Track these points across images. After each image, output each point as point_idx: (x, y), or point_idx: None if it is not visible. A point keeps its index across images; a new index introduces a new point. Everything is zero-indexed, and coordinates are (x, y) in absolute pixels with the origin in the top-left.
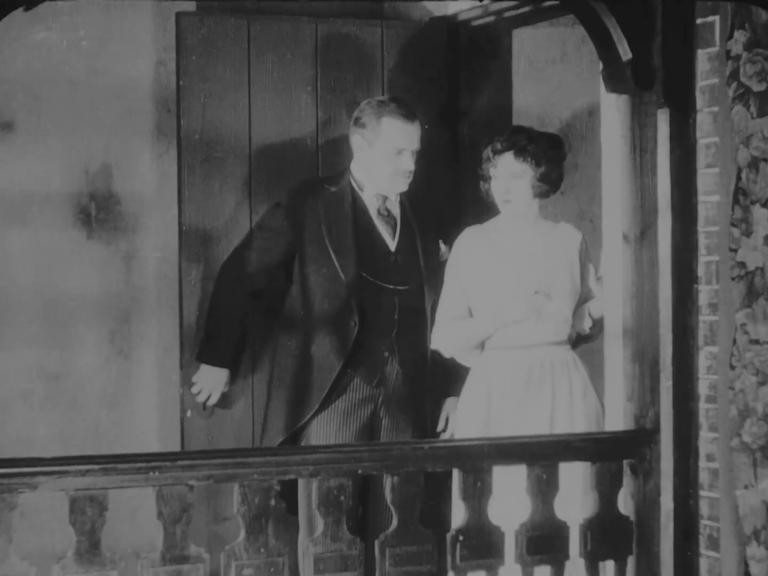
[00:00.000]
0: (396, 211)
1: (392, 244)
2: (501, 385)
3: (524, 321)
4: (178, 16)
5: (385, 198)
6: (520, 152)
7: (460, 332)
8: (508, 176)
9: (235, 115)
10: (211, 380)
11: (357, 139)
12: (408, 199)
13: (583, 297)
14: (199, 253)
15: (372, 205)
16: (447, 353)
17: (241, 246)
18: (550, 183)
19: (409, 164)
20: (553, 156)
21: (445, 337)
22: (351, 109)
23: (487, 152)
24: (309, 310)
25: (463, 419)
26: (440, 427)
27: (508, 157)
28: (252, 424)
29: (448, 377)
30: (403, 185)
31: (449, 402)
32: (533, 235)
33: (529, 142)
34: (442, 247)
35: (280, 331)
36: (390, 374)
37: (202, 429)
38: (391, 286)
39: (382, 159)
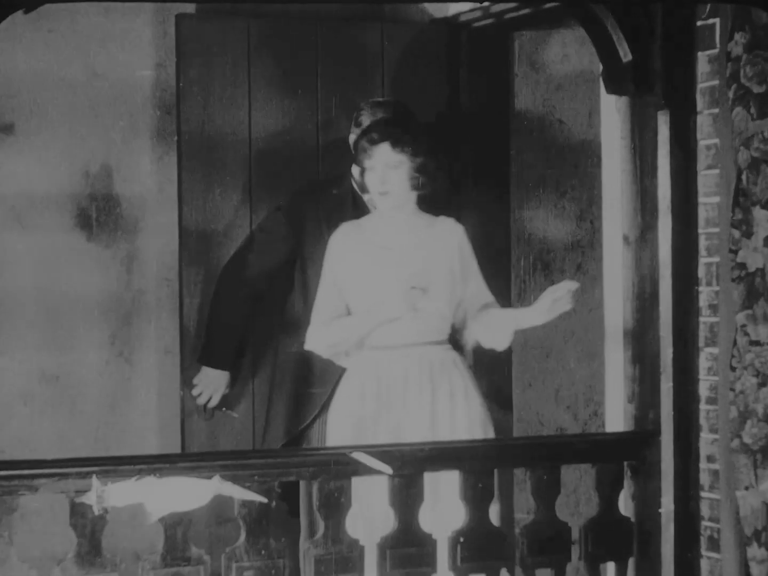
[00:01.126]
0: None
1: None
2: (375, 386)
3: (400, 318)
4: (178, 18)
5: None
6: (397, 142)
7: (335, 332)
8: (384, 167)
9: (235, 117)
10: (212, 382)
11: (352, 139)
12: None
13: (474, 298)
14: (200, 256)
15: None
16: (323, 354)
17: (241, 249)
18: (427, 174)
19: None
20: (432, 146)
21: (319, 338)
22: (351, 112)
23: (363, 143)
24: (310, 313)
25: (334, 421)
26: None
27: (385, 147)
28: (252, 427)
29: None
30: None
31: None
32: (410, 229)
33: (408, 131)
34: None
35: (282, 334)
36: None
37: (203, 431)
38: None
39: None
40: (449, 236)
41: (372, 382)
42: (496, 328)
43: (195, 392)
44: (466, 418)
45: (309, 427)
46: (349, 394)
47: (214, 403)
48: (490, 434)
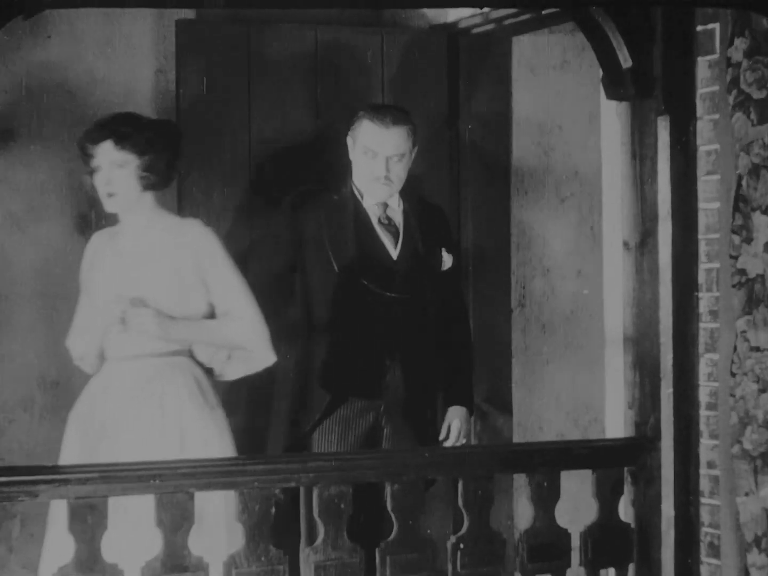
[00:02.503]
0: (398, 219)
1: (394, 253)
2: (103, 397)
3: (116, 330)
4: (178, 23)
5: (386, 206)
6: (120, 140)
7: (78, 340)
8: (110, 166)
9: (235, 122)
10: None
11: (348, 141)
12: (411, 208)
13: (219, 306)
14: None
15: (373, 213)
16: (76, 361)
17: (246, 253)
18: (158, 173)
19: (381, 170)
20: (161, 144)
21: (71, 345)
22: (351, 116)
23: (85, 142)
24: (310, 318)
25: (68, 432)
26: (442, 435)
27: (108, 145)
28: (253, 432)
29: (451, 385)
30: (381, 192)
31: (452, 411)
32: (142, 234)
33: (131, 128)
34: (444, 255)
35: (282, 340)
36: (391, 383)
37: None
38: (393, 295)
39: (358, 160)
40: (188, 240)
41: (102, 393)
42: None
43: None
44: (200, 430)
45: (310, 433)
46: (83, 403)
47: None
48: (227, 446)
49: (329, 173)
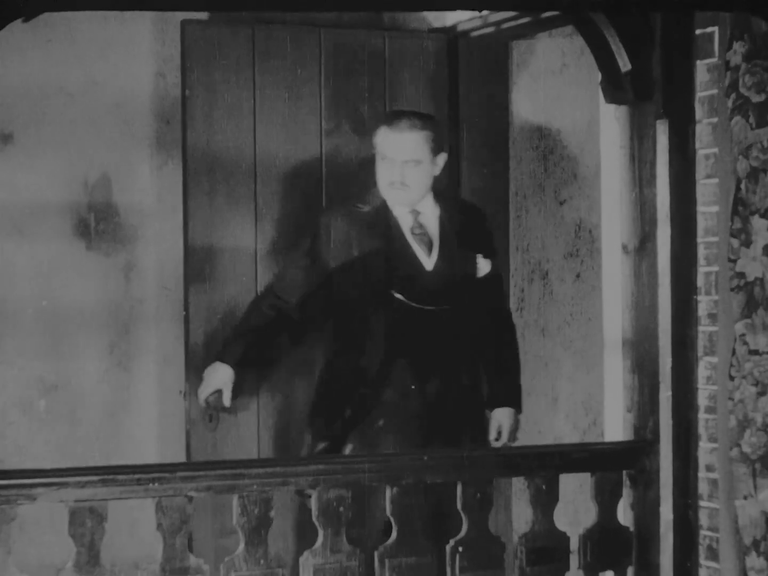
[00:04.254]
0: (433, 226)
1: (428, 263)
2: None
3: None
4: (184, 24)
5: (417, 213)
6: None
7: None
8: None
9: (240, 124)
10: (214, 374)
11: (377, 143)
12: (447, 213)
13: None
14: (204, 267)
15: (405, 222)
16: None
17: (283, 265)
18: None
19: (395, 175)
20: None
21: None
22: (356, 119)
23: None
24: (344, 328)
25: None
26: (492, 435)
27: None
28: (257, 437)
29: (498, 387)
30: (398, 198)
31: (500, 412)
32: None
33: None
34: (481, 261)
35: (316, 361)
36: (433, 393)
37: (208, 441)
38: (425, 307)
39: (378, 167)
40: None
41: None
42: None
43: (201, 389)
44: None
45: (347, 438)
46: None
47: (227, 395)
48: None
49: (333, 174)
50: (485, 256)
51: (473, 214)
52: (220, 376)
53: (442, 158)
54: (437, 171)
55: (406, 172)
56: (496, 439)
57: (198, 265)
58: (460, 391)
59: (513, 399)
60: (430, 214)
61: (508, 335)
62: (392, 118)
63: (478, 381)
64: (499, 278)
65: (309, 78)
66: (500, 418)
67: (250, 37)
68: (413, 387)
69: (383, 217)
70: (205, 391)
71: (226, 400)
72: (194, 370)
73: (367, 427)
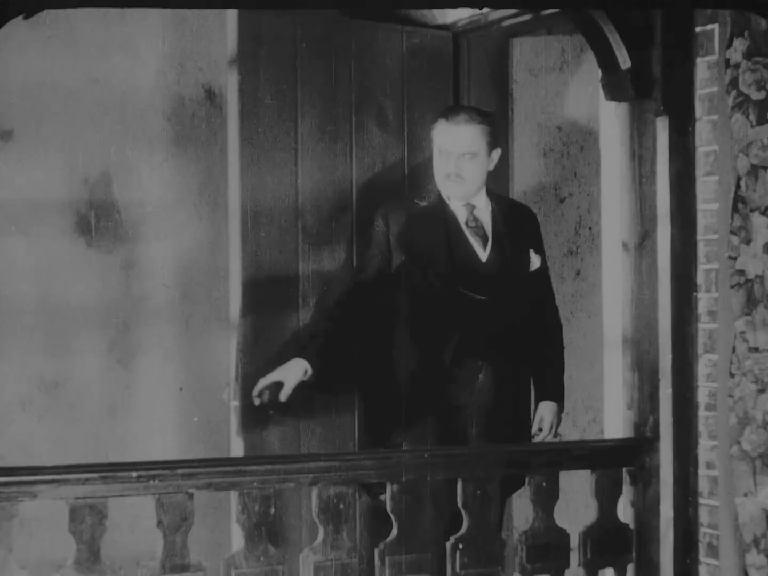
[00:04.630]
0: (486, 220)
1: (483, 255)
2: None
3: None
4: (240, 14)
5: (472, 207)
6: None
7: None
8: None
9: (284, 125)
10: (289, 368)
11: (436, 137)
12: (499, 209)
13: None
14: (251, 266)
15: (461, 215)
16: None
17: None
18: None
19: (451, 167)
20: None
21: None
22: (377, 113)
23: None
24: (407, 324)
25: None
26: (535, 428)
27: None
28: (298, 435)
29: (543, 381)
30: (453, 190)
31: (544, 405)
32: None
33: None
34: (533, 256)
35: (382, 344)
36: (483, 383)
37: (248, 445)
38: (484, 298)
39: (435, 160)
40: None
41: None
42: None
43: (263, 381)
44: None
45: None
46: None
47: (286, 390)
48: None
49: (361, 162)
50: (536, 252)
51: (525, 212)
52: (291, 369)
53: (497, 154)
54: (492, 166)
55: (462, 165)
56: (538, 431)
57: (247, 264)
58: (512, 382)
59: (557, 394)
60: (484, 209)
61: (556, 331)
62: (450, 111)
63: (527, 373)
64: (548, 275)
65: (340, 73)
66: (543, 411)
67: (293, 30)
68: (479, 377)
69: (441, 211)
70: (263, 381)
71: (284, 395)
72: (241, 368)
73: (420, 419)
